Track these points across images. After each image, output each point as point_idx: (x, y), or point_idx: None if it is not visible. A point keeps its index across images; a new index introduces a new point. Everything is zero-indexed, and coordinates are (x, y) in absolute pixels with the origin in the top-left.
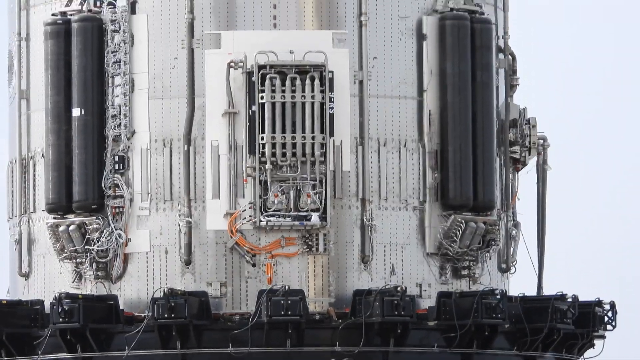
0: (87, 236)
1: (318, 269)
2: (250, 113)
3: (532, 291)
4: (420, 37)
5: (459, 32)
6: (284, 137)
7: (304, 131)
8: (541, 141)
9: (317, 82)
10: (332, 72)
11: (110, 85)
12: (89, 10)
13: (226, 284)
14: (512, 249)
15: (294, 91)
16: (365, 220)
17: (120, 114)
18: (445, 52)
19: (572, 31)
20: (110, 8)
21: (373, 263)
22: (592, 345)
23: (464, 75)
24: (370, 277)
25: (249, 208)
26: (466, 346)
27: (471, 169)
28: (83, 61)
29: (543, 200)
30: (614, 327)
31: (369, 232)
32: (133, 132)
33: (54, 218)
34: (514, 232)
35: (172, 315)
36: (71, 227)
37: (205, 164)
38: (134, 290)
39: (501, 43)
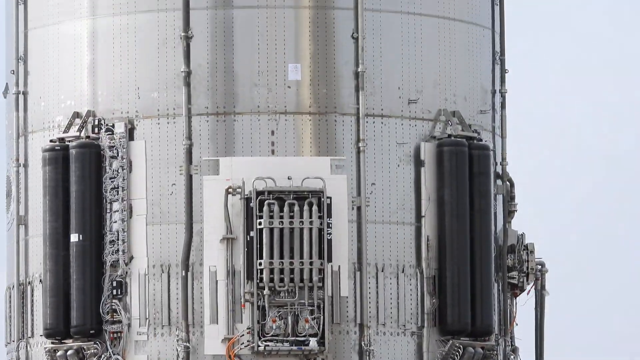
0: None
1: None
2: (249, 239)
3: None
4: (418, 163)
5: (457, 159)
6: (282, 262)
7: (302, 257)
8: (539, 267)
9: (315, 208)
10: (330, 198)
11: (108, 211)
12: (87, 137)
13: None
14: None
15: (292, 217)
16: (363, 345)
17: (118, 240)
18: (443, 178)
19: (568, 159)
20: (108, 134)
21: None
22: None
23: (462, 202)
24: None
25: (247, 333)
26: None
27: (469, 294)
28: (81, 187)
29: (541, 325)
30: None
31: (367, 357)
32: (131, 258)
33: (52, 343)
34: (512, 357)
35: None
36: (69, 352)
37: (203, 289)
38: None
39: (499, 169)
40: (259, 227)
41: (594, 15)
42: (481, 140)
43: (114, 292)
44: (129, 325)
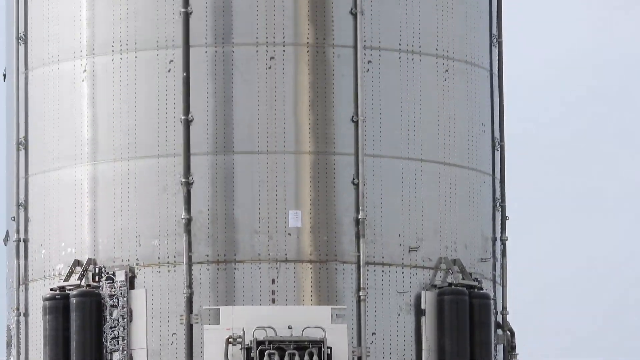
0: None
1: None
2: None
3: None
4: (419, 312)
5: (457, 308)
6: None
7: None
8: None
9: (315, 357)
10: (330, 348)
11: None
12: (88, 285)
13: None
14: None
15: None
16: None
17: None
18: (443, 328)
19: (569, 307)
20: (109, 283)
21: None
22: None
23: (463, 352)
24: None
25: None
26: None
27: None
28: (82, 337)
29: None
30: None
31: None
32: None
33: None
34: None
35: None
36: None
37: None
38: None
39: (499, 319)
40: None
41: (595, 158)
42: (482, 289)
43: None
44: None
